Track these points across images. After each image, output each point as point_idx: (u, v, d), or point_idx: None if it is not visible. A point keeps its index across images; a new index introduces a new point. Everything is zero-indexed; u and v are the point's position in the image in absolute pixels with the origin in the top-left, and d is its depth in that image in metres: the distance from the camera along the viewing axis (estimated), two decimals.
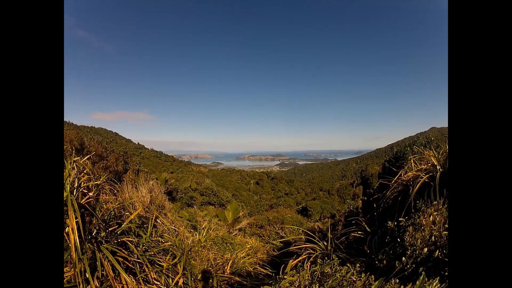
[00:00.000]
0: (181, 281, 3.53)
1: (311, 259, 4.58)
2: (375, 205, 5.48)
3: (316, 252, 4.90)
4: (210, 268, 4.10)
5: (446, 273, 2.55)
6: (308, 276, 3.24)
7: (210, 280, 3.90)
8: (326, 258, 3.98)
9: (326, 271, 3.26)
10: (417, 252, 3.01)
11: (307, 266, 3.43)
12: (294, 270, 3.47)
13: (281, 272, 3.85)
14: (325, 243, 4.90)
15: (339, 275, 3.16)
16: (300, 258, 4.65)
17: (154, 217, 4.39)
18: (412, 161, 5.23)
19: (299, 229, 12.40)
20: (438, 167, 4.39)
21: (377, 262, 3.45)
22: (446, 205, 3.39)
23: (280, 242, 9.51)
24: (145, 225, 4.23)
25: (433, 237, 3.02)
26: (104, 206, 3.89)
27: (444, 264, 2.73)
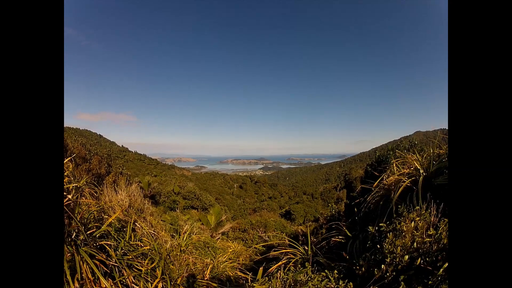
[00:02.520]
0: (160, 285, 3.48)
1: (291, 264, 4.54)
2: (356, 210, 5.45)
3: (297, 257, 4.86)
4: (187, 273, 4.05)
5: (430, 282, 2.48)
6: (279, 285, 3.18)
7: (190, 285, 3.85)
8: (299, 266, 3.94)
9: (299, 279, 3.19)
10: (397, 260, 2.93)
11: (279, 274, 3.38)
12: (266, 277, 3.41)
13: (249, 279, 3.81)
14: (306, 248, 4.85)
15: (312, 284, 3.10)
16: (279, 263, 4.59)
17: (132, 221, 4.33)
18: (394, 165, 5.18)
19: (282, 233, 12.39)
20: (421, 171, 4.36)
21: (358, 267, 3.36)
22: (429, 210, 3.32)
23: (263, 246, 9.48)
24: (124, 229, 4.18)
25: (415, 244, 2.93)
26: (84, 208, 3.83)
27: (427, 272, 2.65)
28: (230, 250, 7.77)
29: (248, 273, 5.10)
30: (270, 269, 4.32)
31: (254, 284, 3.23)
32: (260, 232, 13.92)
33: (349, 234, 4.81)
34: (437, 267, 2.57)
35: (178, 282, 3.79)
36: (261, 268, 3.89)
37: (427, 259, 2.73)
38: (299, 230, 12.97)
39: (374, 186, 5.16)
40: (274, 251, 5.47)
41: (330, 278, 3.21)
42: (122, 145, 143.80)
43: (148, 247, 4.01)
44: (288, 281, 3.15)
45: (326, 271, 3.40)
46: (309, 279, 3.15)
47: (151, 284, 3.42)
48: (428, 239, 2.89)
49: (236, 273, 5.17)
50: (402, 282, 2.60)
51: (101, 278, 2.98)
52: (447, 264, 2.44)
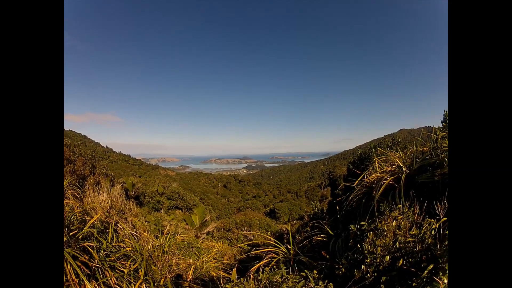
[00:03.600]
0: (143, 286, 3.46)
1: (273, 263, 4.52)
2: (338, 208, 5.44)
3: (279, 256, 4.86)
4: (168, 275, 4.02)
5: (414, 284, 2.40)
6: (252, 286, 3.14)
7: (173, 286, 3.84)
8: (274, 266, 3.91)
9: (274, 280, 3.15)
10: (377, 261, 2.84)
11: (252, 275, 3.35)
12: (242, 278, 3.39)
13: (221, 280, 3.78)
14: (289, 247, 4.85)
15: (286, 286, 3.06)
16: (260, 263, 4.55)
17: (114, 222, 4.30)
18: (376, 163, 5.13)
19: (267, 232, 12.41)
20: (404, 169, 4.33)
21: (341, 266, 3.28)
22: (412, 209, 3.25)
23: (248, 245, 9.47)
24: (107, 230, 4.15)
25: (397, 243, 2.85)
26: (67, 210, 3.79)
27: (410, 274, 2.57)
28: (215, 250, 7.76)
29: (231, 272, 5.10)
30: (252, 268, 4.29)
31: (227, 286, 3.20)
32: (244, 231, 13.92)
33: (331, 232, 4.79)
34: (421, 268, 2.50)
35: (161, 283, 3.77)
36: (234, 269, 3.86)
37: (410, 260, 2.66)
38: (284, 229, 12.99)
39: (355, 184, 5.16)
40: (256, 250, 5.45)
41: (310, 278, 3.19)
42: (107, 146, 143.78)
43: (130, 248, 3.99)
44: (262, 282, 3.12)
45: (306, 271, 3.36)
46: (284, 280, 3.12)
47: (134, 285, 3.40)
48: (411, 239, 2.81)
49: (219, 273, 5.16)
50: (382, 285, 2.55)
51: (84, 279, 2.99)
52: (432, 266, 2.38)
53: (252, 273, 3.54)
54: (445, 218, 2.77)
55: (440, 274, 2.27)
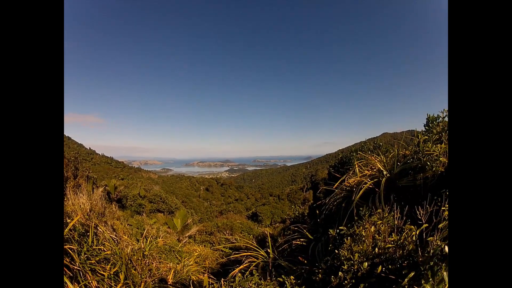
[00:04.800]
0: None
1: (252, 267, 4.49)
2: (317, 212, 5.40)
3: (258, 260, 4.84)
4: (149, 279, 4.01)
5: None
6: None
7: None
8: (253, 271, 3.91)
9: (247, 287, 3.13)
10: (355, 267, 2.76)
11: (222, 282, 3.34)
12: (215, 284, 3.38)
13: (191, 285, 3.78)
14: (268, 251, 4.85)
15: None
16: (240, 267, 4.49)
17: (93, 225, 4.27)
18: (357, 166, 5.09)
19: (249, 235, 12.41)
20: (384, 172, 4.29)
21: (320, 271, 3.21)
22: (392, 213, 3.18)
23: (230, 248, 9.46)
24: (87, 233, 4.13)
25: (376, 249, 2.78)
26: None
27: (390, 281, 2.51)
28: (196, 254, 7.73)
29: (212, 276, 5.08)
30: (231, 273, 4.28)
31: None
32: (226, 235, 13.91)
33: (310, 237, 4.76)
34: (401, 275, 2.43)
35: (141, 287, 3.76)
36: (205, 275, 3.86)
37: (390, 266, 2.59)
38: (266, 232, 13.00)
39: (334, 187, 5.11)
40: (236, 254, 5.44)
41: (287, 283, 3.16)
42: (90, 148, 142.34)
43: (109, 251, 3.97)
44: None
45: (283, 276, 3.34)
46: (258, 287, 3.10)
47: None
48: (391, 245, 2.73)
49: (199, 277, 5.14)
50: None
51: (68, 282, 2.98)
52: (413, 273, 2.31)
53: (229, 278, 3.54)
54: (427, 225, 2.70)
55: (423, 281, 2.21)
